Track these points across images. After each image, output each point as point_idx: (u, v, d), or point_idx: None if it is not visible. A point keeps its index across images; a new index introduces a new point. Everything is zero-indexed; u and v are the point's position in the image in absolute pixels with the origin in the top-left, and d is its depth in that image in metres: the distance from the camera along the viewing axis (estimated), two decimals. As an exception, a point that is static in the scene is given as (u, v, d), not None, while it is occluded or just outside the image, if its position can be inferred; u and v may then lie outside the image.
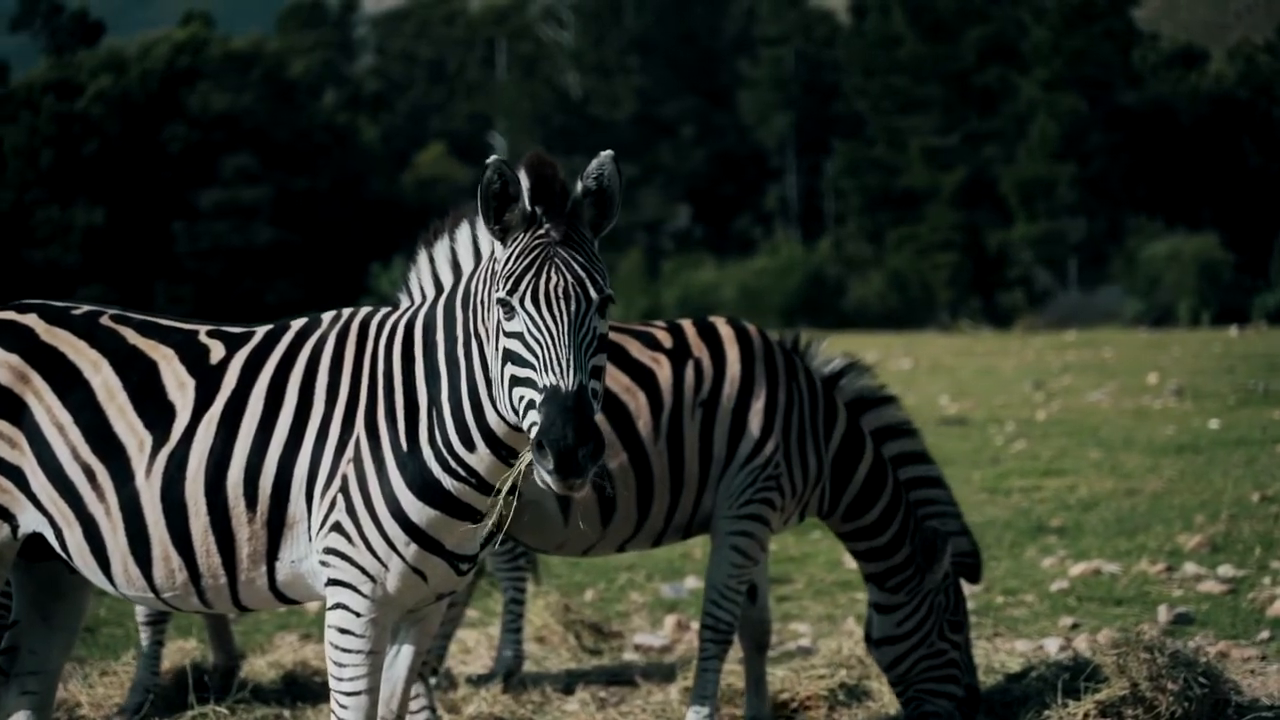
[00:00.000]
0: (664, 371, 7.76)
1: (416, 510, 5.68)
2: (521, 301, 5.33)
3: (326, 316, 6.08)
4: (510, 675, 9.44)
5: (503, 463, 5.64)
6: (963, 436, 21.01)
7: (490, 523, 5.77)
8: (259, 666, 9.50)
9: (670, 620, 10.84)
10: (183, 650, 9.41)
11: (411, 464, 5.69)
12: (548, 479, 5.16)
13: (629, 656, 10.23)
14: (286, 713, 8.70)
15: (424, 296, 5.92)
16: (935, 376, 31.55)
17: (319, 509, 5.78)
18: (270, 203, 63.20)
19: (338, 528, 5.74)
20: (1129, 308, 55.20)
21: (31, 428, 5.98)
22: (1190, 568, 12.03)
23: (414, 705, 7.61)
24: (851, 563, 12.94)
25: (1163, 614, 10.47)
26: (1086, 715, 7.73)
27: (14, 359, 6.04)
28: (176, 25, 69.62)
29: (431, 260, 5.92)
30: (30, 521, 6.03)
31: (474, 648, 10.31)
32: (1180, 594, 11.29)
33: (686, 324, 8.01)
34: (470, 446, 5.64)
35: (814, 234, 70.20)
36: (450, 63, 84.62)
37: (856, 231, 67.06)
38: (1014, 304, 60.17)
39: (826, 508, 8.07)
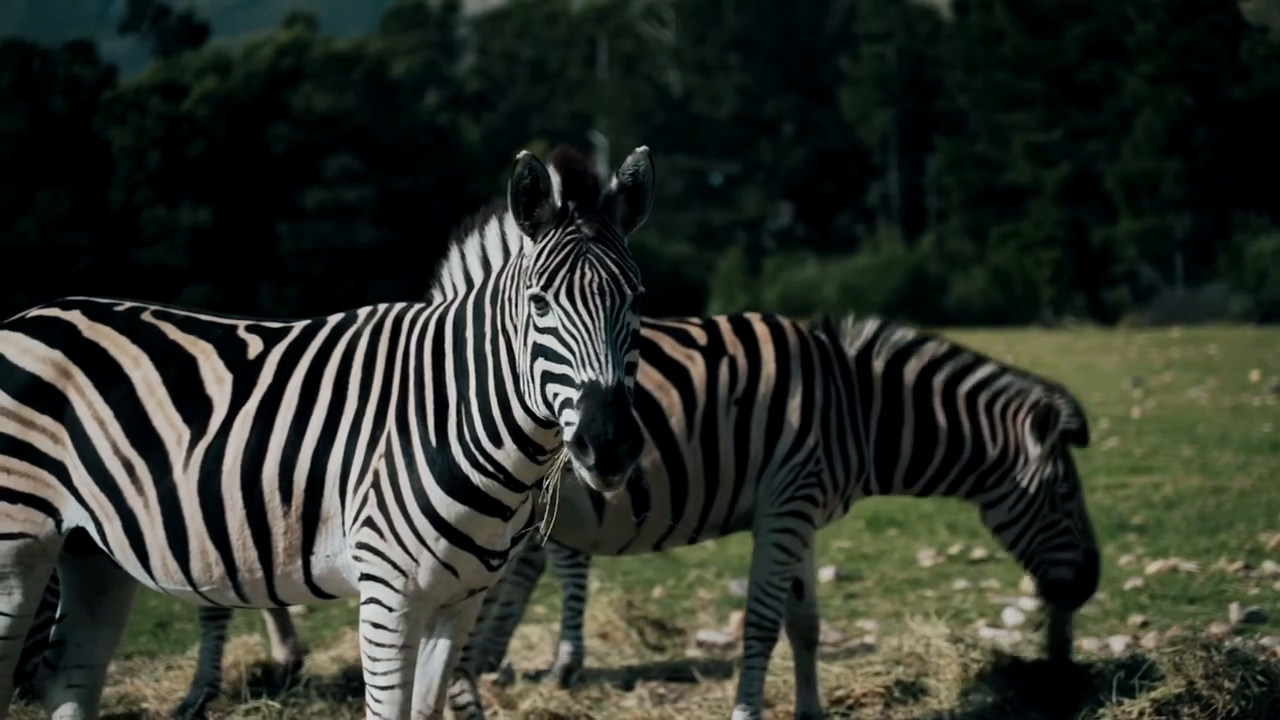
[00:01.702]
0: (698, 369, 7.74)
1: (445, 505, 5.70)
2: (556, 297, 5.33)
3: (362, 312, 6.12)
4: (570, 671, 9.43)
5: (530, 459, 5.65)
6: (1054, 434, 20.76)
7: (542, 523, 5.78)
8: (321, 661, 9.55)
9: (736, 617, 10.80)
10: (246, 645, 9.47)
11: (440, 460, 5.71)
12: (586, 475, 5.16)
13: (692, 653, 10.22)
14: (344, 707, 8.73)
15: (456, 292, 5.94)
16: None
17: (352, 504, 5.81)
18: (373, 203, 63.59)
19: (370, 523, 5.77)
20: (1235, 304, 54.42)
21: (73, 422, 6.05)
22: (1269, 566, 11.88)
23: (460, 700, 7.62)
24: (925, 561, 12.90)
25: (1234, 613, 10.32)
26: (1142, 713, 7.65)
27: (56, 355, 6.12)
28: (280, 26, 70.26)
29: (463, 256, 5.94)
30: (73, 516, 6.09)
31: (537, 644, 10.32)
32: (1256, 592, 11.15)
33: (722, 321, 7.99)
34: (498, 442, 5.65)
35: (916, 231, 69.85)
36: (551, 62, 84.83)
37: (959, 228, 66.59)
38: (1119, 301, 59.54)
39: (879, 487, 8.08)
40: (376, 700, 5.85)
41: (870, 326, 8.15)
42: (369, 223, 63.29)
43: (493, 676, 9.14)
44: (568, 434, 5.21)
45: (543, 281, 5.36)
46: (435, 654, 6.10)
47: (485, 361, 5.68)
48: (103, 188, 63.84)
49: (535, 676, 9.45)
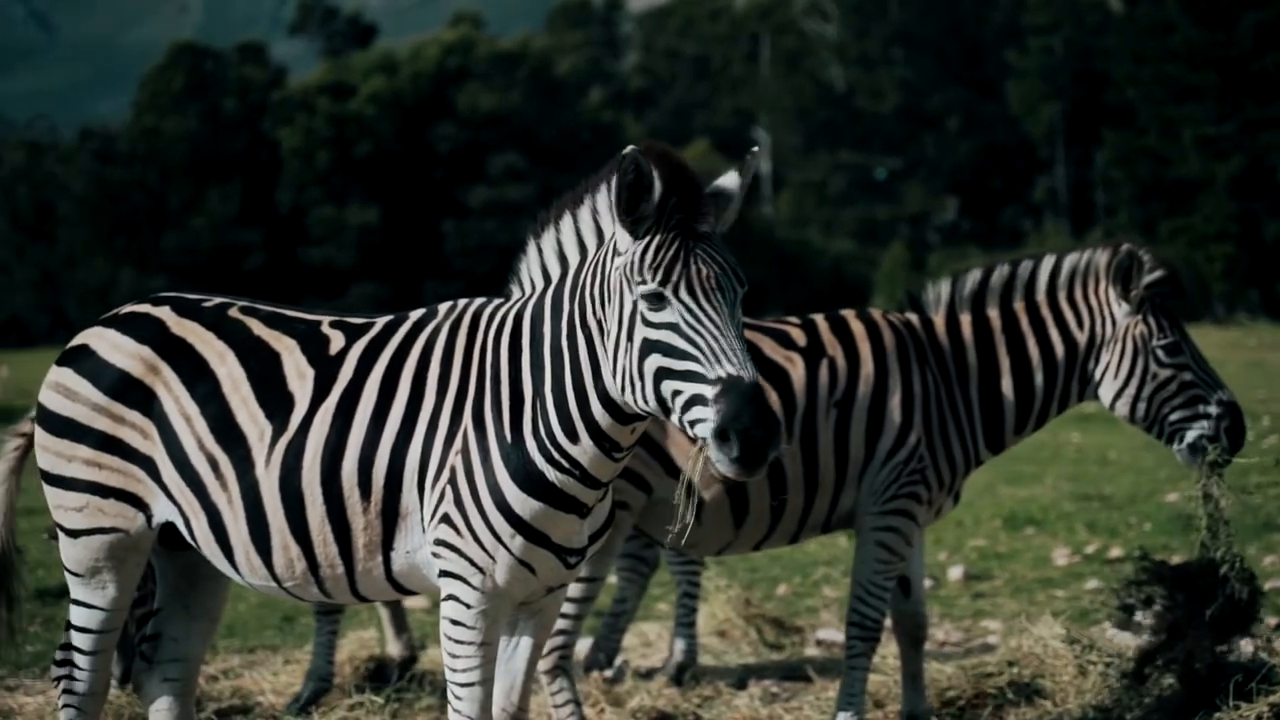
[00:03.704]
0: (797, 371, 7.64)
1: (521, 502, 5.66)
2: (676, 292, 5.31)
3: (442, 307, 6.11)
4: (683, 669, 9.36)
5: (606, 455, 5.62)
6: (1211, 431, 20.29)
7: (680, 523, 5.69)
8: (436, 656, 9.54)
9: (858, 616, 10.65)
10: (360, 640, 9.51)
11: (515, 455, 5.67)
12: (727, 468, 5.13)
13: (810, 652, 10.11)
14: (454, 702, 8.72)
15: (533, 287, 5.90)
16: (1197, 370, 30.58)
17: (430, 500, 5.80)
18: (537, 200, 63.81)
19: (446, 519, 5.75)
20: None
21: (161, 418, 6.11)
22: None
23: (559, 699, 7.57)
24: (1059, 560, 12.65)
25: (1374, 616, 10.01)
26: (1259, 718, 7.43)
27: (145, 351, 6.17)
28: (446, 26, 70.95)
29: (540, 251, 5.91)
30: (163, 511, 6.15)
31: (655, 641, 10.28)
32: (1405, 594, 10.80)
33: (819, 320, 7.85)
34: (574, 438, 5.61)
35: (1084, 225, 68.86)
36: (714, 59, 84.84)
37: (1128, 223, 65.43)
38: (1294, 296, 58.31)
39: (990, 454, 7.96)
40: (457, 697, 5.83)
41: (945, 286, 8.02)
42: (533, 220, 63.58)
43: (606, 673, 9.09)
44: (704, 430, 5.17)
45: (660, 277, 5.33)
46: (518, 652, 6.06)
47: (562, 357, 5.65)
48: (272, 187, 64.94)
49: (649, 674, 9.38)
